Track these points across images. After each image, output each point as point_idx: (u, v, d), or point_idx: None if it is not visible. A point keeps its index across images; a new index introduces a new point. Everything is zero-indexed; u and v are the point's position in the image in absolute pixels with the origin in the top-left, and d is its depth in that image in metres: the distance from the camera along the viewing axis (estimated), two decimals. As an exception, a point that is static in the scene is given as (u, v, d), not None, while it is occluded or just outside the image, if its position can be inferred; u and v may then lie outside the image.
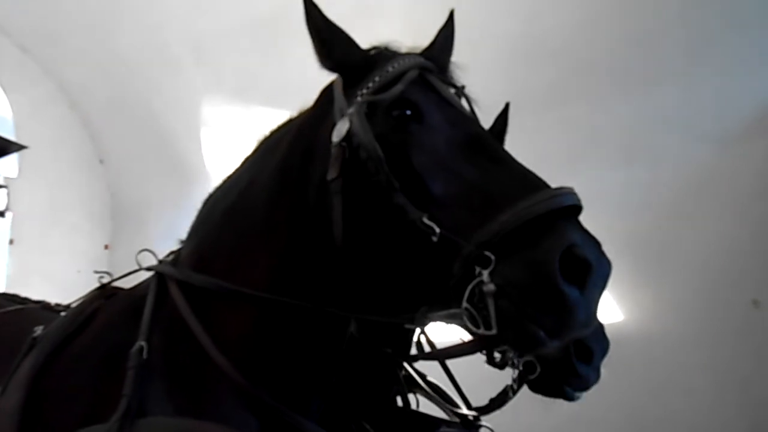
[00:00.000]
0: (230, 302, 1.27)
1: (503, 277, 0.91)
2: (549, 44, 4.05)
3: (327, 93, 1.29)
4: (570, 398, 1.27)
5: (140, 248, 1.49)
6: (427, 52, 1.33)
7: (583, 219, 1.00)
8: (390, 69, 1.19)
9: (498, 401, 1.47)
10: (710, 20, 3.66)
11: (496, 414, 1.54)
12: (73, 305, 1.52)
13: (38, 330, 1.40)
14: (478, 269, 0.93)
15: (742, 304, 3.77)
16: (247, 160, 1.44)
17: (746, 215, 3.83)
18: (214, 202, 1.46)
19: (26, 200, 5.76)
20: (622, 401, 3.52)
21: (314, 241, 1.21)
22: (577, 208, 0.99)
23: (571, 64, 4.07)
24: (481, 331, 0.92)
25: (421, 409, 1.63)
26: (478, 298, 0.92)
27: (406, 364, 1.64)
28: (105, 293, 1.50)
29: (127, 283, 1.56)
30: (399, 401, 1.61)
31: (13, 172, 5.73)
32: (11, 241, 5.76)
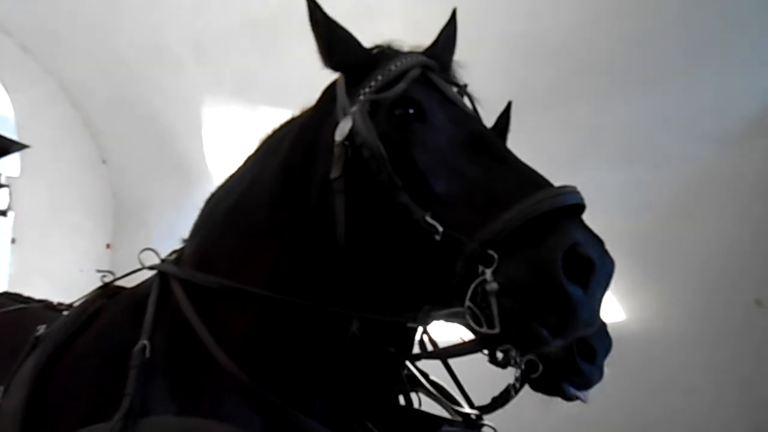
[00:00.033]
0: (233, 301, 1.27)
1: (506, 275, 0.91)
2: (549, 44, 4.05)
3: (329, 92, 1.29)
4: (569, 398, 1.27)
5: (142, 247, 1.49)
6: (430, 50, 1.33)
7: (584, 219, 1.01)
8: (392, 68, 1.19)
9: (500, 400, 1.47)
10: (710, 20, 3.67)
11: (497, 413, 1.54)
12: (76, 304, 1.52)
13: (41, 329, 1.40)
14: (481, 268, 0.93)
15: (742, 304, 3.77)
16: (249, 160, 1.45)
17: (746, 215, 3.83)
18: (216, 201, 1.46)
19: (28, 200, 5.76)
20: (623, 401, 3.51)
21: (317, 240, 1.21)
22: (580, 207, 0.99)
23: (571, 64, 4.07)
24: (484, 329, 0.92)
25: (424, 409, 1.63)
26: (481, 297, 0.93)
27: (408, 363, 1.64)
28: (107, 292, 1.50)
29: (129, 283, 1.56)
30: (401, 400, 1.62)
31: (15, 172, 5.73)
32: (13, 241, 5.76)
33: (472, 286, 0.93)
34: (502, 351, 1.18)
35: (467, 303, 0.94)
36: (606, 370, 1.27)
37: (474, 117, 1.23)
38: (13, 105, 5.83)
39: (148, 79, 5.51)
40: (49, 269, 5.60)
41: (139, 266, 1.47)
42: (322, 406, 1.30)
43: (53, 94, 6.09)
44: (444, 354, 1.50)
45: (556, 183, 1.02)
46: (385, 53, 1.27)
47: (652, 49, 3.88)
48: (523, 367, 1.18)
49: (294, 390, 1.24)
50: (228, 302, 1.27)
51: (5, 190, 5.58)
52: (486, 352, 1.13)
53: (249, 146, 1.49)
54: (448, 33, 1.40)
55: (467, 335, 1.11)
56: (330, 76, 1.31)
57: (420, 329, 1.58)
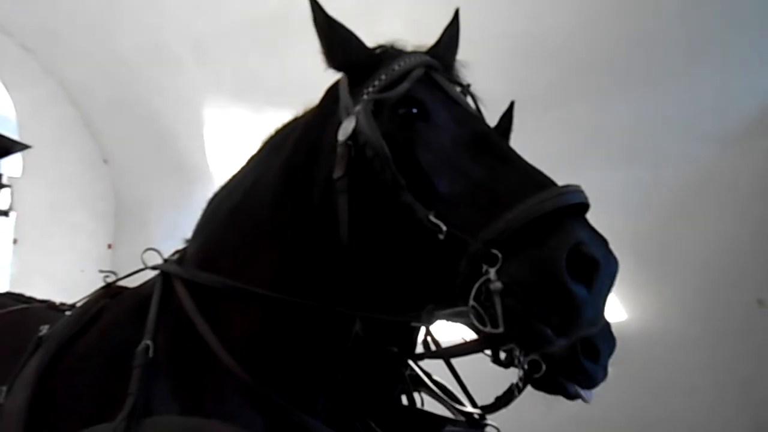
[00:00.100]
0: (236, 301, 1.27)
1: (510, 275, 0.91)
2: (549, 44, 4.05)
3: (332, 92, 1.29)
4: (572, 396, 1.27)
5: (143, 247, 1.49)
6: (433, 50, 1.33)
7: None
8: (396, 67, 1.19)
9: (504, 400, 1.47)
10: (710, 20, 3.67)
11: (499, 412, 1.54)
12: (79, 304, 1.52)
13: (44, 329, 1.40)
14: (484, 267, 0.93)
15: (742, 304, 3.77)
16: (252, 159, 1.45)
17: (746, 215, 3.84)
18: (219, 201, 1.46)
19: (29, 200, 5.77)
20: (623, 400, 3.51)
21: (320, 240, 1.22)
22: (584, 206, 0.99)
23: (572, 64, 4.07)
24: (488, 329, 0.92)
25: (426, 408, 1.63)
26: (484, 297, 0.92)
27: (411, 363, 1.64)
28: (110, 292, 1.50)
29: (131, 283, 1.56)
30: (404, 400, 1.62)
31: (16, 172, 5.73)
32: (15, 241, 5.76)
33: (476, 286, 0.93)
34: (505, 351, 1.19)
35: (471, 302, 0.93)
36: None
37: (477, 117, 1.23)
38: (14, 105, 5.84)
39: (148, 79, 5.51)
40: (50, 269, 5.61)
41: (140, 266, 1.47)
42: (325, 405, 1.30)
43: (54, 94, 6.10)
44: (447, 354, 1.49)
45: (557, 183, 1.02)
46: (388, 53, 1.27)
47: (652, 49, 3.88)
48: (526, 366, 1.18)
49: (297, 390, 1.24)
50: (231, 302, 1.27)
51: (7, 190, 5.58)
52: (489, 351, 1.13)
53: (250, 146, 1.49)
54: (451, 33, 1.40)
55: (470, 335, 1.11)
56: (331, 75, 1.31)
57: (423, 329, 1.58)
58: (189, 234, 1.50)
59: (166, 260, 1.44)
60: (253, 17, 4.65)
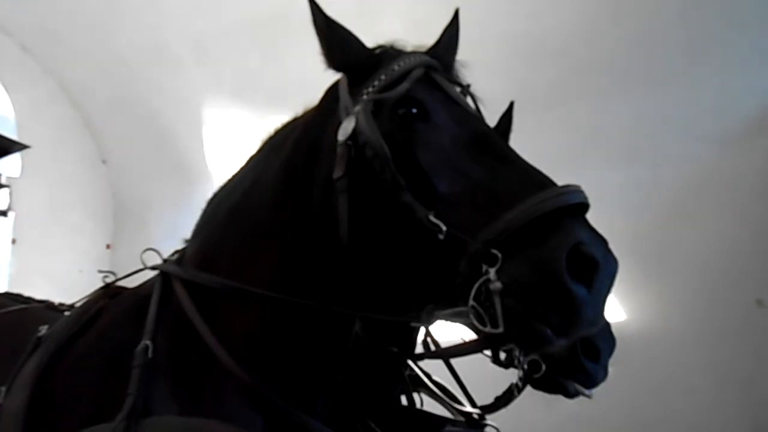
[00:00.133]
0: (235, 301, 1.27)
1: (510, 275, 0.91)
2: (549, 44, 4.05)
3: (332, 92, 1.29)
4: (572, 395, 1.27)
5: (142, 248, 1.49)
6: (432, 50, 1.33)
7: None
8: (395, 67, 1.19)
9: (503, 399, 1.47)
10: (710, 20, 3.67)
11: (498, 411, 1.54)
12: (78, 305, 1.52)
13: (43, 329, 1.40)
14: (484, 267, 0.93)
15: (742, 304, 3.77)
16: (252, 160, 1.44)
17: (747, 215, 3.84)
18: (218, 201, 1.46)
19: (28, 200, 5.76)
20: (623, 400, 3.51)
21: (319, 240, 1.21)
22: (584, 206, 0.99)
23: (572, 64, 4.07)
24: (488, 329, 0.92)
25: (426, 409, 1.63)
26: (484, 297, 0.92)
27: (411, 363, 1.64)
28: (109, 292, 1.50)
29: (130, 283, 1.56)
30: (404, 400, 1.62)
31: (15, 172, 5.73)
32: (13, 241, 5.76)
33: (476, 286, 0.93)
34: (505, 351, 1.19)
35: (471, 302, 0.93)
36: (607, 369, 1.27)
37: (477, 117, 1.23)
38: (14, 105, 5.83)
39: (148, 79, 5.51)
40: (49, 269, 5.60)
41: (139, 266, 1.47)
42: (324, 405, 1.30)
43: (53, 94, 6.10)
44: (447, 354, 1.49)
45: (557, 183, 1.02)
46: (388, 53, 1.27)
47: (652, 49, 3.88)
48: (526, 366, 1.18)
49: (297, 390, 1.24)
50: (230, 302, 1.27)
51: (6, 190, 5.59)
52: (489, 352, 1.13)
53: (249, 146, 1.49)
54: (451, 33, 1.40)
55: (469, 335, 1.11)
56: (331, 76, 1.31)
57: (422, 329, 1.58)
58: (188, 234, 1.50)
59: (165, 260, 1.44)
60: (253, 17, 4.65)
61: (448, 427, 1.51)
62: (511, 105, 1.62)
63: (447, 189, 1.04)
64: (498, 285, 0.91)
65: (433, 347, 1.63)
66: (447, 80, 1.24)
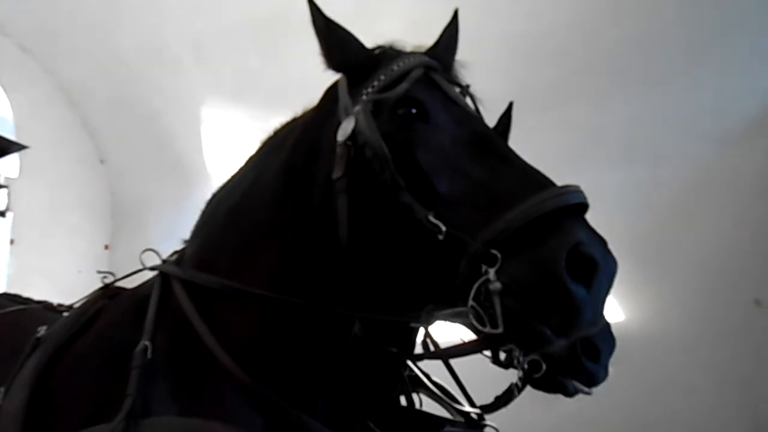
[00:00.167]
0: (235, 302, 1.27)
1: (509, 275, 0.91)
2: (549, 44, 4.05)
3: (331, 92, 1.29)
4: (571, 394, 1.27)
5: (141, 248, 1.48)
6: (432, 51, 1.33)
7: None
8: (395, 68, 1.19)
9: (503, 399, 1.47)
10: (710, 20, 3.67)
11: (497, 412, 1.54)
12: (76, 305, 1.51)
13: (41, 330, 1.39)
14: (484, 267, 0.93)
15: (742, 304, 3.78)
16: (251, 160, 1.44)
17: (746, 215, 3.84)
18: (217, 202, 1.46)
19: (26, 200, 5.76)
20: (623, 401, 3.52)
21: (319, 240, 1.21)
22: (584, 206, 0.99)
23: (572, 63, 4.07)
24: (487, 329, 0.92)
25: (425, 409, 1.63)
26: (484, 297, 0.92)
27: (410, 364, 1.64)
28: (108, 293, 1.50)
29: (128, 284, 1.55)
30: (403, 401, 1.61)
31: (13, 173, 5.73)
32: (12, 241, 5.76)
33: (476, 286, 0.93)
34: (505, 351, 1.18)
35: (470, 303, 0.93)
36: (607, 369, 1.27)
37: (476, 117, 1.23)
38: (12, 105, 5.83)
39: (147, 79, 5.50)
40: (47, 270, 5.59)
41: (137, 267, 1.46)
42: (324, 406, 1.30)
43: (52, 95, 6.09)
44: (446, 354, 1.49)
45: (557, 183, 1.02)
46: (387, 53, 1.27)
47: (652, 49, 3.88)
48: (526, 366, 1.18)
49: (296, 390, 1.23)
50: (230, 303, 1.27)
51: (4, 190, 5.58)
52: (489, 352, 1.13)
53: (249, 147, 1.48)
54: (450, 33, 1.40)
55: (468, 336, 1.11)
56: (331, 76, 1.31)
57: (422, 329, 1.57)
58: (187, 235, 1.49)
59: (164, 261, 1.43)
60: (253, 17, 4.64)
61: (448, 428, 1.51)
62: (511, 105, 1.62)
63: (446, 189, 1.04)
64: (498, 285, 0.91)
65: (432, 348, 1.62)
66: (446, 80, 1.24)
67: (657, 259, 4.07)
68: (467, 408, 1.61)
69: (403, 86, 1.14)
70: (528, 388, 1.33)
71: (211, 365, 1.20)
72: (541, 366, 1.16)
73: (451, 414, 1.61)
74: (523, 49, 4.11)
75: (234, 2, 4.67)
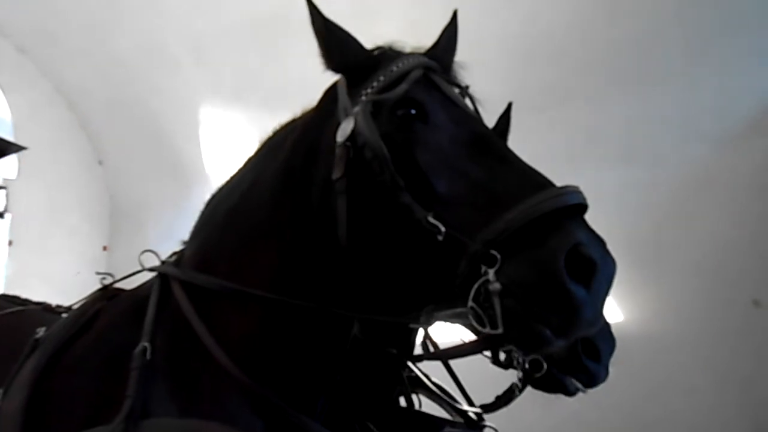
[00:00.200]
0: (234, 303, 1.27)
1: (509, 275, 0.91)
2: (547, 45, 4.06)
3: (330, 93, 1.29)
4: (572, 393, 1.27)
5: (139, 250, 1.48)
6: (431, 51, 1.33)
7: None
8: (394, 68, 1.19)
9: (504, 399, 1.47)
10: (709, 20, 3.67)
11: (497, 412, 1.54)
12: (75, 307, 1.51)
13: (40, 331, 1.39)
14: (483, 268, 0.92)
15: (741, 304, 3.78)
16: (250, 161, 1.44)
17: (745, 215, 3.84)
18: (216, 203, 1.45)
19: (25, 201, 5.76)
20: (622, 401, 3.52)
21: (318, 241, 1.21)
22: (583, 207, 0.99)
23: (570, 64, 4.07)
24: (487, 330, 0.92)
25: (424, 410, 1.63)
26: (483, 297, 0.92)
27: (410, 364, 1.64)
28: (107, 294, 1.50)
29: (127, 285, 1.55)
30: (402, 401, 1.61)
31: (12, 174, 5.73)
32: (10, 243, 5.75)
33: (475, 287, 0.93)
34: (505, 352, 1.19)
35: (470, 303, 0.93)
36: (606, 369, 1.27)
37: (476, 118, 1.22)
38: (10, 107, 5.82)
39: (146, 80, 5.50)
40: (46, 271, 5.59)
41: (136, 268, 1.46)
42: (323, 407, 1.30)
43: (50, 96, 6.09)
44: (446, 355, 1.49)
45: (556, 183, 1.02)
46: (387, 54, 1.27)
47: (650, 50, 3.88)
48: (526, 366, 1.18)
49: (296, 391, 1.23)
50: (229, 303, 1.27)
51: (2, 191, 5.58)
52: (489, 352, 1.13)
53: (247, 148, 1.48)
54: (449, 34, 1.40)
55: (468, 337, 1.11)
56: (331, 77, 1.31)
57: (421, 330, 1.57)
58: (186, 236, 1.49)
59: (163, 262, 1.43)
60: (252, 17, 4.64)
61: (447, 428, 1.51)
62: (510, 106, 1.62)
63: (446, 190, 1.04)
64: (497, 286, 0.90)
65: (431, 348, 1.62)
66: (446, 81, 1.24)
67: (656, 260, 4.07)
68: (468, 407, 1.61)
69: (403, 87, 1.14)
70: (528, 388, 1.33)
71: (211, 366, 1.20)
72: (542, 365, 1.16)
73: (451, 414, 1.61)
74: (521, 50, 4.11)
75: (234, 2, 4.67)
